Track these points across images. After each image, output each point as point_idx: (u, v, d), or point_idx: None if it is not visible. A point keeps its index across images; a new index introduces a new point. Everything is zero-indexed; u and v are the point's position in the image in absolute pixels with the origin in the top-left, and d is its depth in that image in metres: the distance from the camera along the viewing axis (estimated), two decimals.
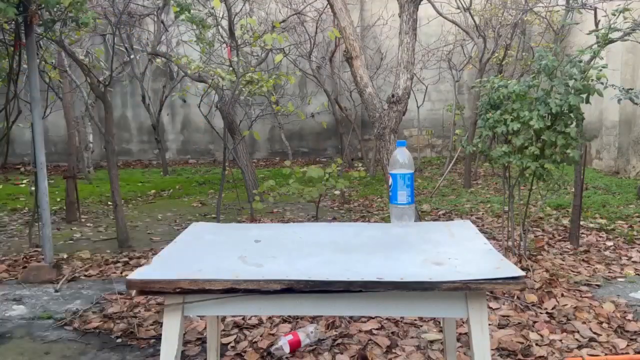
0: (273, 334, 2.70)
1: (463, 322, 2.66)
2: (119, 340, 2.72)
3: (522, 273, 1.32)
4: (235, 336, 2.70)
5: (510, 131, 3.31)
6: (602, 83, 3.25)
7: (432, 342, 2.61)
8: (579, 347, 2.52)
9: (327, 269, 1.41)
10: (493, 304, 3.02)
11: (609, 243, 4.34)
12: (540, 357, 2.43)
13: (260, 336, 2.69)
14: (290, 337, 2.53)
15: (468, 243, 1.64)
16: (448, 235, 1.74)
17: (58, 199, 6.89)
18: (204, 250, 1.62)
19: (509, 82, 3.43)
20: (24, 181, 8.60)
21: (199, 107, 5.37)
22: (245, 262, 1.47)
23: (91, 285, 3.60)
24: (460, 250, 1.57)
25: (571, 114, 3.26)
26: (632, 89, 3.55)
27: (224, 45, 6.93)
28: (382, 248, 1.61)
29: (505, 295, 3.09)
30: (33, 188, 4.74)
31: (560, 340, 2.59)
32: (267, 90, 6.27)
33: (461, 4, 7.47)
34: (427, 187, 7.50)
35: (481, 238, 1.68)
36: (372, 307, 1.42)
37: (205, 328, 2.75)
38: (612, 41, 3.44)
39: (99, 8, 6.08)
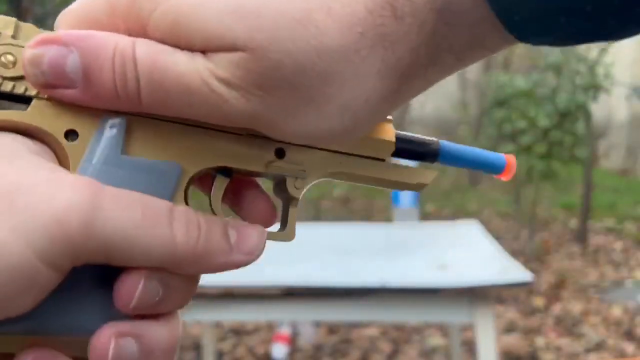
0: (271, 339, 2.65)
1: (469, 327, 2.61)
2: None
3: (530, 277, 1.28)
4: (232, 341, 2.64)
5: (517, 129, 3.26)
6: (610, 81, 3.20)
7: (435, 347, 2.55)
8: (587, 352, 2.47)
9: (328, 272, 1.36)
10: (499, 308, 2.97)
11: (618, 244, 4.27)
12: None
13: (260, 341, 2.63)
14: (279, 343, 2.49)
15: (474, 245, 1.60)
16: (453, 236, 1.70)
17: None
18: None
19: (514, 76, 3.38)
20: None
21: None
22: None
23: None
24: (466, 252, 1.53)
25: (579, 113, 3.21)
26: None
27: None
28: (384, 251, 1.56)
29: (512, 298, 3.05)
30: None
31: (568, 345, 2.54)
32: None
33: None
34: (431, 186, 7.45)
35: (487, 239, 1.63)
36: (374, 313, 1.38)
37: (201, 333, 2.71)
38: None
39: None
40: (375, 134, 0.31)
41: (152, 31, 0.24)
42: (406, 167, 0.33)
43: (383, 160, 0.32)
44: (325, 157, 0.31)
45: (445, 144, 0.34)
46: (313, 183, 0.31)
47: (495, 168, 0.34)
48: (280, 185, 0.31)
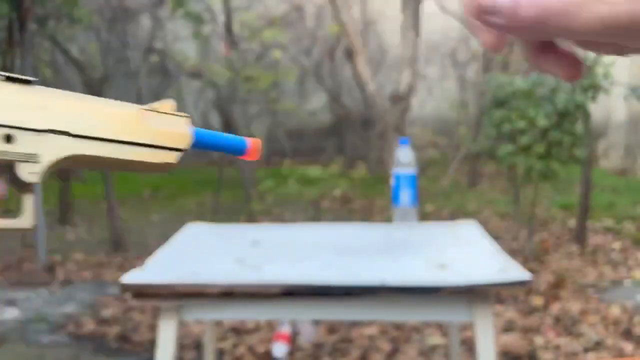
0: (272, 339, 2.65)
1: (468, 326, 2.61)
2: (114, 344, 2.67)
3: (529, 276, 1.28)
4: (232, 340, 2.65)
5: (516, 129, 3.26)
6: (609, 80, 3.20)
7: (435, 347, 2.55)
8: (586, 351, 2.47)
9: (328, 272, 1.36)
10: (498, 307, 2.97)
11: (617, 244, 4.28)
12: None
13: (259, 340, 2.63)
14: (280, 342, 2.49)
15: (473, 244, 1.59)
16: (452, 236, 1.70)
17: (51, 200, 6.83)
18: (200, 252, 1.56)
19: (513, 76, 3.38)
20: None
21: (195, 104, 5.32)
22: (243, 265, 1.42)
23: (85, 288, 3.55)
24: (465, 252, 1.53)
25: (577, 113, 3.21)
26: (639, 88, 3.50)
27: (222, 41, 6.87)
28: (384, 250, 1.56)
29: (511, 298, 3.05)
30: None
31: (567, 344, 2.54)
32: (266, 86, 6.21)
33: None
34: (431, 187, 7.45)
35: (486, 239, 1.63)
36: (373, 312, 1.38)
37: (201, 332, 2.70)
38: None
39: (93, 6, 6.02)
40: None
41: None
42: (151, 148, 0.34)
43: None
44: (60, 141, 0.30)
45: (197, 130, 0.36)
46: (50, 168, 0.30)
47: (239, 150, 0.38)
48: (11, 171, 0.30)
